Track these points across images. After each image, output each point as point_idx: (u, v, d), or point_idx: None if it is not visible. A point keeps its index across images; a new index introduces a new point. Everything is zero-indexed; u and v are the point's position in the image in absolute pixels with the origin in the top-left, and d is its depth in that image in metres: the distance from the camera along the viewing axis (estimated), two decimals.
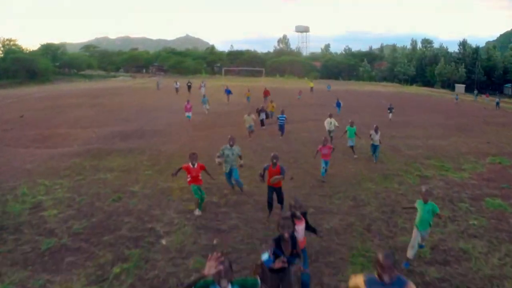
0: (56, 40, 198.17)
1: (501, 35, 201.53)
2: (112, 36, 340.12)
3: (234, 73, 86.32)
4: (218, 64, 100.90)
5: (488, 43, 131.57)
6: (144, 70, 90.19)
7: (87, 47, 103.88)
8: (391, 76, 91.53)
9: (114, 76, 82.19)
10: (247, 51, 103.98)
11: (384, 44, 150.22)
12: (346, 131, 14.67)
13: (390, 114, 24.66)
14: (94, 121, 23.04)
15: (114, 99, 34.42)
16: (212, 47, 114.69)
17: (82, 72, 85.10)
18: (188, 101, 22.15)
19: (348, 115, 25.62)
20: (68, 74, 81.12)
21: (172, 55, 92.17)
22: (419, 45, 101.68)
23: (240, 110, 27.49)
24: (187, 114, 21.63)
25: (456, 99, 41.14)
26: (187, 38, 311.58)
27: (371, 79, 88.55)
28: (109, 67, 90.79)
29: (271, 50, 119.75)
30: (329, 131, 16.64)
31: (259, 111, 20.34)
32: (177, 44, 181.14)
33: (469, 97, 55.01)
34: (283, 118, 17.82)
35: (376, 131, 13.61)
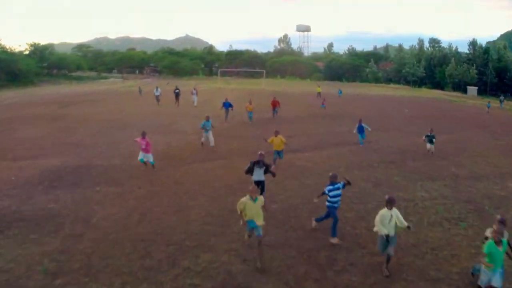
0: (56, 40, 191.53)
1: (501, 35, 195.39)
2: (112, 36, 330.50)
3: (233, 74, 79.74)
4: (217, 65, 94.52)
5: (489, 43, 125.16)
6: (137, 71, 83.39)
7: (80, 47, 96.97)
8: (397, 78, 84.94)
9: (105, 78, 75.70)
10: (247, 51, 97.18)
11: (385, 44, 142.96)
12: (484, 241, 5.93)
13: (431, 145, 15.31)
14: (37, 146, 16.65)
15: (85, 109, 28.02)
16: (211, 47, 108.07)
17: (73, 74, 78.60)
18: (143, 135, 12.26)
19: (375, 135, 19.12)
20: (56, 75, 74.53)
21: (167, 55, 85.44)
22: (426, 44, 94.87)
23: (236, 129, 20.93)
24: (140, 156, 12.25)
25: (488, 107, 34.66)
26: (187, 38, 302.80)
27: (376, 80, 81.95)
28: (100, 68, 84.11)
29: (272, 50, 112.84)
30: (387, 239, 6.51)
31: (254, 163, 9.19)
32: (176, 44, 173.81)
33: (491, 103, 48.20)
34: (338, 195, 7.66)
35: (503, 222, 5.90)
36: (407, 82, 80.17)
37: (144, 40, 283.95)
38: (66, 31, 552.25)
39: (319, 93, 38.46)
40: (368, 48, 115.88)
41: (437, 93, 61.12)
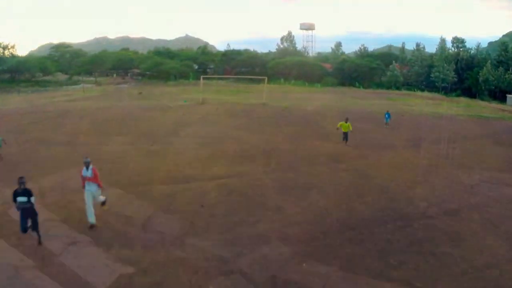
0: (55, 40, 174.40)
1: (503, 36, 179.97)
2: (112, 36, 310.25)
3: (229, 79, 63.60)
4: (212, 66, 78.72)
5: (490, 43, 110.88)
6: (114, 75, 67.24)
7: (57, 47, 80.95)
8: (417, 82, 69.08)
9: (76, 83, 60.08)
10: (246, 51, 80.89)
11: (389, 44, 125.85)
12: None
13: None
14: None
15: None
16: (205, 46, 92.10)
17: (41, 79, 62.96)
18: None
19: None
20: (17, 81, 59.06)
21: (153, 56, 69.49)
22: (448, 45, 78.55)
23: None
24: None
25: None
26: (186, 38, 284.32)
27: (395, 85, 65.99)
28: (75, 70, 68.17)
29: (273, 50, 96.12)
30: None
31: None
32: (176, 44, 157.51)
33: None
34: None
35: None
36: (432, 88, 64.45)
37: (144, 40, 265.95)
38: (66, 31, 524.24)
39: (346, 134, 18.74)
40: (369, 48, 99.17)
41: (489, 106, 45.26)
